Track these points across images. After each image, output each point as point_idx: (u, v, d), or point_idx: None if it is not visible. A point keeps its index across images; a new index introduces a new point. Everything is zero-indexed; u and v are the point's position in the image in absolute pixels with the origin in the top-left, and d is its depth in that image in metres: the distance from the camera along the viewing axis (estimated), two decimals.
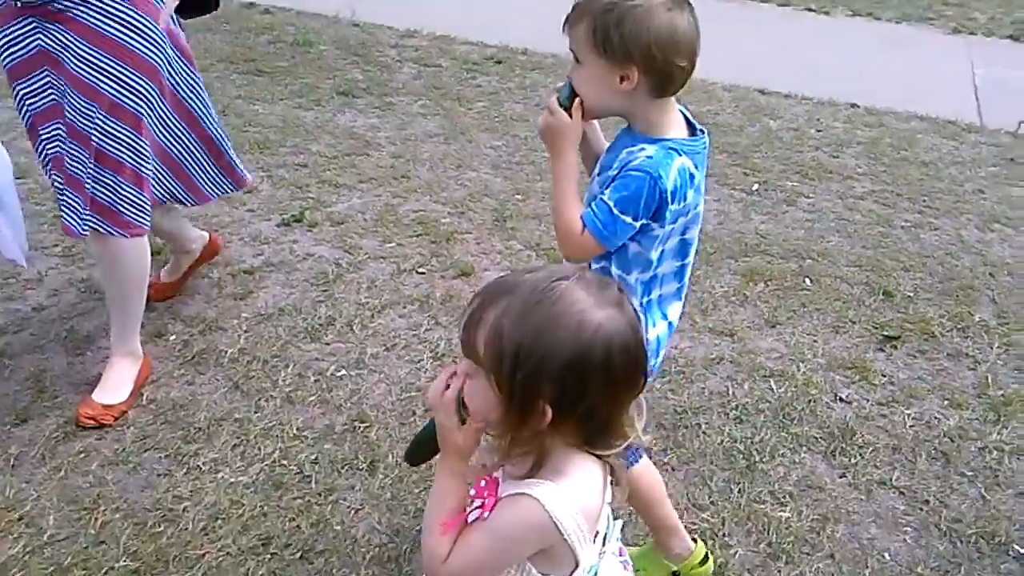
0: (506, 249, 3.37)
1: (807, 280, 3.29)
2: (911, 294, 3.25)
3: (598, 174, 1.70)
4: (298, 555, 2.06)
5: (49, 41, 2.22)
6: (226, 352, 2.71)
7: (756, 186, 4.01)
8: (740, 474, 2.38)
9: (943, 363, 2.90)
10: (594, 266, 1.71)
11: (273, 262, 3.19)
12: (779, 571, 2.10)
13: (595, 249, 1.65)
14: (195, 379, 2.60)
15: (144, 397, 2.51)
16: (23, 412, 2.44)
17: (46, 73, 2.25)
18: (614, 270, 1.70)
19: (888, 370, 2.84)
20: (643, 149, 1.61)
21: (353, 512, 2.18)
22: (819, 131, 4.64)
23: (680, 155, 1.60)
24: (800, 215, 3.80)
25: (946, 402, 2.71)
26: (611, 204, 1.60)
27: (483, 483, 1.26)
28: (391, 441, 2.41)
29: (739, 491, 2.33)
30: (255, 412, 2.48)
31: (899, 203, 3.96)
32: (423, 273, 3.19)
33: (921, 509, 2.31)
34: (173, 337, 2.77)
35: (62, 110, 2.26)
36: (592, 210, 1.62)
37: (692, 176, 1.62)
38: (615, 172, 1.63)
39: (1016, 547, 2.20)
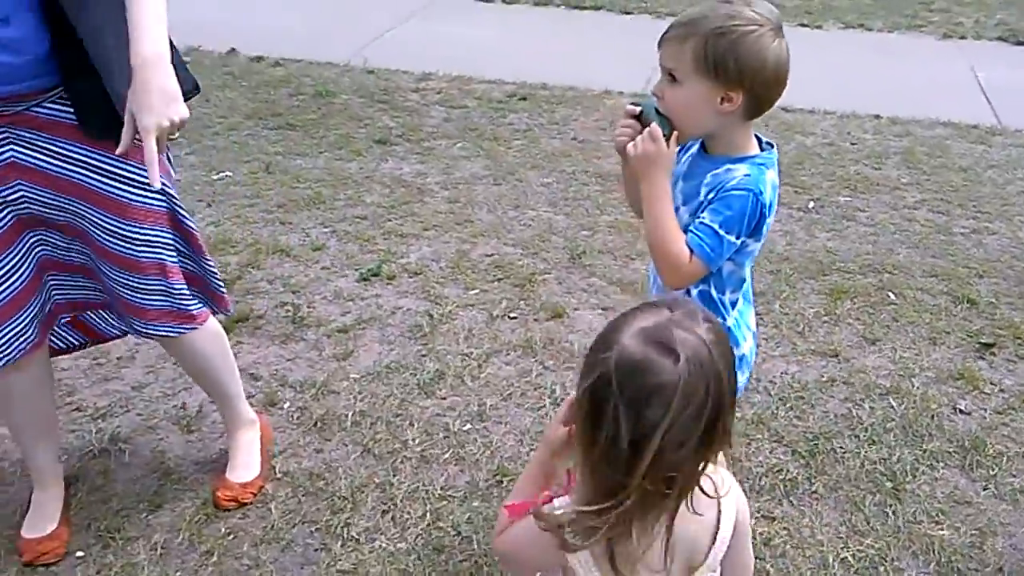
0: (589, 287, 3.38)
1: (891, 294, 3.33)
2: (993, 300, 3.31)
3: (683, 204, 1.72)
4: None
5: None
6: (346, 415, 2.68)
7: (811, 203, 4.06)
8: (889, 496, 2.39)
9: None
10: (694, 291, 1.74)
11: (364, 318, 3.16)
12: None
13: (702, 274, 1.68)
14: (323, 446, 2.57)
15: (276, 470, 2.47)
16: (155, 498, 2.39)
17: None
18: (713, 293, 1.74)
19: (995, 378, 2.88)
20: (731, 170, 1.65)
21: None
22: (854, 144, 4.72)
23: (768, 169, 1.66)
24: (862, 229, 3.85)
25: None
26: (715, 226, 1.63)
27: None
28: None
29: (893, 513, 2.34)
30: (394, 475, 2.45)
31: (952, 210, 4.03)
32: (515, 318, 3.18)
33: None
34: (287, 405, 2.73)
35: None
36: (697, 235, 1.64)
37: (776, 188, 1.67)
38: (710, 195, 1.66)
39: None
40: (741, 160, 1.67)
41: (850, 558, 2.20)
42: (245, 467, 2.42)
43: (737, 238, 1.64)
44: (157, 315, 2.08)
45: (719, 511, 1.28)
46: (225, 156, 4.43)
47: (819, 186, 4.25)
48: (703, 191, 1.69)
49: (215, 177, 4.20)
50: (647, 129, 1.65)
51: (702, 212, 1.67)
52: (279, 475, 2.45)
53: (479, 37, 6.60)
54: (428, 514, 2.33)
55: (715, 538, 1.30)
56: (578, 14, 7.42)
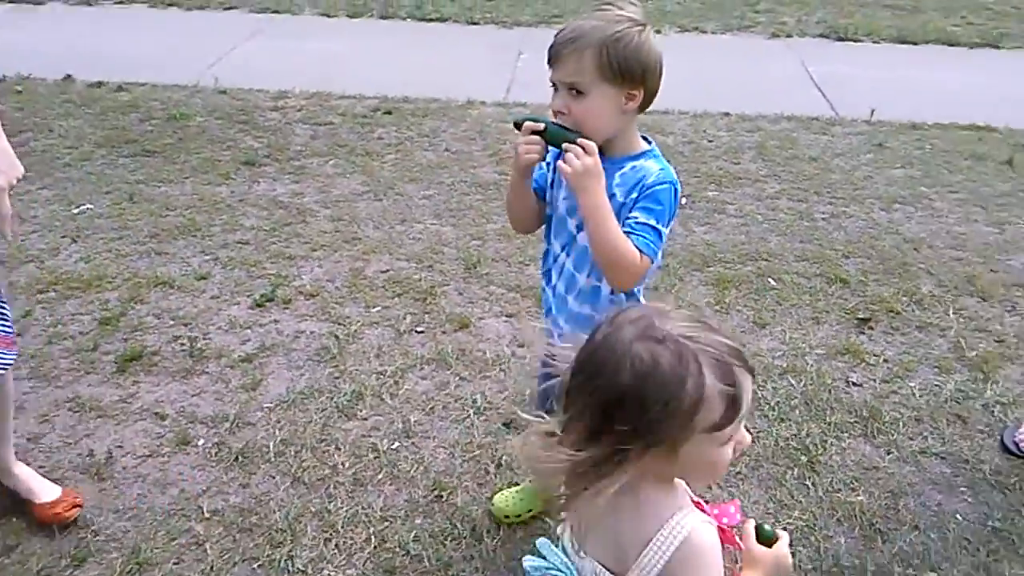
0: (489, 295, 3.40)
1: (771, 280, 3.54)
2: (862, 278, 3.58)
3: (570, 214, 1.82)
4: None
5: None
6: (268, 446, 2.58)
7: (684, 200, 4.24)
8: (806, 469, 2.54)
9: (916, 335, 3.22)
10: (601, 284, 1.85)
11: (267, 345, 3.06)
12: (882, 551, 2.27)
13: (647, 271, 1.77)
14: (248, 480, 2.47)
15: (203, 510, 2.35)
16: (78, 553, 2.22)
17: None
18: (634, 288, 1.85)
19: (876, 350, 3.12)
20: (639, 168, 1.75)
21: None
22: (711, 141, 4.98)
23: (663, 158, 1.79)
24: (733, 221, 4.07)
25: (936, 369, 3.02)
26: (653, 223, 1.73)
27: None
28: (479, 503, 2.39)
29: (813, 485, 2.49)
30: (329, 502, 2.39)
31: (809, 197, 4.32)
32: (423, 332, 3.16)
33: (965, 469, 2.57)
34: (202, 442, 2.61)
35: None
36: (641, 236, 1.73)
37: None
38: (633, 195, 1.74)
39: None
40: (640, 156, 1.77)
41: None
42: (45, 487, 2.29)
43: (667, 229, 1.74)
44: None
45: (663, 527, 1.21)
46: (82, 188, 4.16)
47: (687, 183, 4.45)
48: (618, 192, 1.76)
49: (75, 211, 3.94)
50: (581, 143, 1.70)
51: (631, 212, 1.74)
52: (207, 515, 2.33)
53: (330, 52, 6.51)
54: (372, 537, 2.28)
55: (643, 549, 1.22)
56: (425, 26, 7.45)
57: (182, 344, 3.05)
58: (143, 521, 2.31)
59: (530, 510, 2.32)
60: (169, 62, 6.00)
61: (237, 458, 2.53)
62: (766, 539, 1.35)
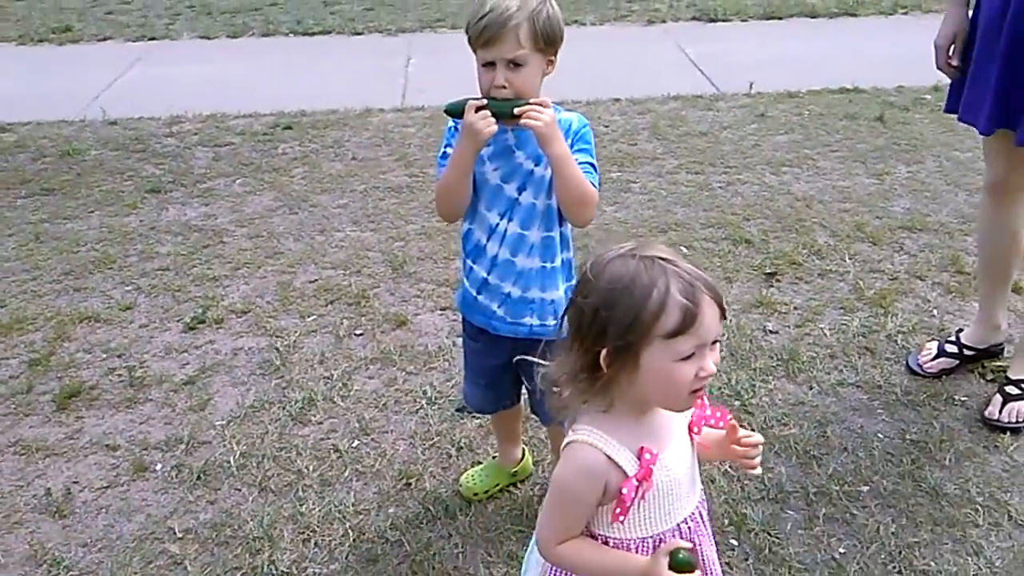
0: (421, 292, 3.50)
1: (683, 248, 3.75)
2: (764, 237, 3.83)
3: (504, 181, 1.98)
4: None
5: None
6: (228, 461, 2.62)
7: None
8: (742, 412, 2.74)
9: (819, 282, 3.48)
10: (553, 233, 2.02)
11: (207, 366, 3.08)
12: (819, 473, 2.49)
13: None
14: (215, 496, 2.50)
15: (175, 531, 2.38)
16: None
17: None
18: (567, 232, 2.06)
19: (785, 299, 3.36)
20: (560, 120, 1.91)
21: (459, 555, 2.26)
22: (607, 126, 5.19)
23: None
24: (639, 198, 4.28)
25: (841, 310, 3.28)
26: (592, 161, 1.97)
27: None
28: (447, 485, 2.50)
29: (749, 425, 2.69)
30: (301, 505, 2.45)
31: (705, 169, 4.57)
32: (362, 334, 3.24)
33: (880, 394, 2.82)
34: (160, 466, 2.63)
35: None
36: (590, 174, 1.94)
37: None
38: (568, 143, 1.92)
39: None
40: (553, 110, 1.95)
41: (729, 470, 2.51)
42: None
43: None
44: None
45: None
46: None
47: None
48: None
49: None
50: (533, 102, 1.86)
51: (575, 152, 1.92)
52: (179, 534, 2.36)
53: (217, 74, 6.46)
54: (349, 531, 2.35)
55: None
56: (309, 40, 7.45)
57: (120, 375, 3.04)
58: (115, 550, 2.33)
59: (497, 484, 2.44)
60: (51, 98, 5.85)
61: (199, 477, 2.56)
62: (679, 566, 1.35)
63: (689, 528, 1.46)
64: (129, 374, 3.03)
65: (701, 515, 1.51)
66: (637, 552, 1.42)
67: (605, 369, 1.33)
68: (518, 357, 2.08)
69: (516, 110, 1.87)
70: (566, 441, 1.41)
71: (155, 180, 4.63)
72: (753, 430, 2.55)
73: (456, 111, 1.91)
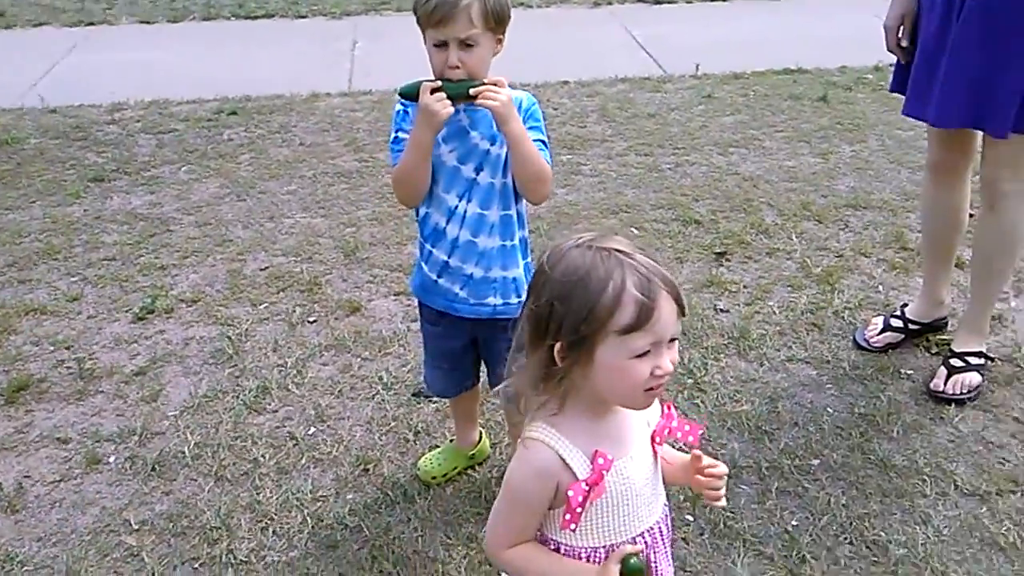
0: (374, 278, 3.48)
1: (634, 229, 3.78)
2: (713, 217, 3.88)
3: (461, 162, 1.99)
4: None
5: None
6: (183, 452, 2.59)
7: None
8: (694, 390, 2.79)
9: (768, 261, 3.54)
10: (510, 211, 2.04)
11: (158, 356, 3.03)
12: (771, 448, 2.54)
13: None
14: (171, 487, 2.47)
15: (131, 522, 2.35)
16: None
17: None
18: (523, 209, 2.09)
19: (735, 278, 3.42)
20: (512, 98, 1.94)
21: (419, 538, 2.27)
22: (556, 109, 5.19)
23: None
24: (590, 180, 4.30)
25: (790, 288, 3.34)
26: (544, 138, 1.99)
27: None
28: (405, 469, 2.50)
29: (702, 403, 2.74)
30: (258, 493, 2.43)
31: (654, 151, 4.61)
32: (315, 321, 3.22)
33: (828, 369, 2.88)
34: (113, 458, 2.58)
35: None
36: (544, 152, 1.97)
37: None
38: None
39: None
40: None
41: (683, 447, 2.54)
42: None
43: None
44: None
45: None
46: None
47: None
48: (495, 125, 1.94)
49: None
50: (489, 82, 1.88)
51: (528, 131, 1.94)
52: (135, 526, 2.33)
53: (159, 59, 6.32)
54: (308, 518, 2.34)
55: None
56: (252, 24, 7.33)
57: (69, 367, 2.98)
58: (70, 544, 2.29)
59: (455, 467, 2.45)
60: None
61: (154, 468, 2.53)
62: (630, 573, 1.34)
63: (646, 543, 1.42)
64: (78, 366, 2.97)
65: (661, 531, 1.46)
66: (589, 561, 1.38)
67: (559, 363, 1.29)
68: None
69: (472, 90, 1.87)
70: (521, 438, 1.39)
71: (98, 168, 4.52)
72: (706, 408, 2.62)
73: (410, 94, 1.91)
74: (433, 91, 1.87)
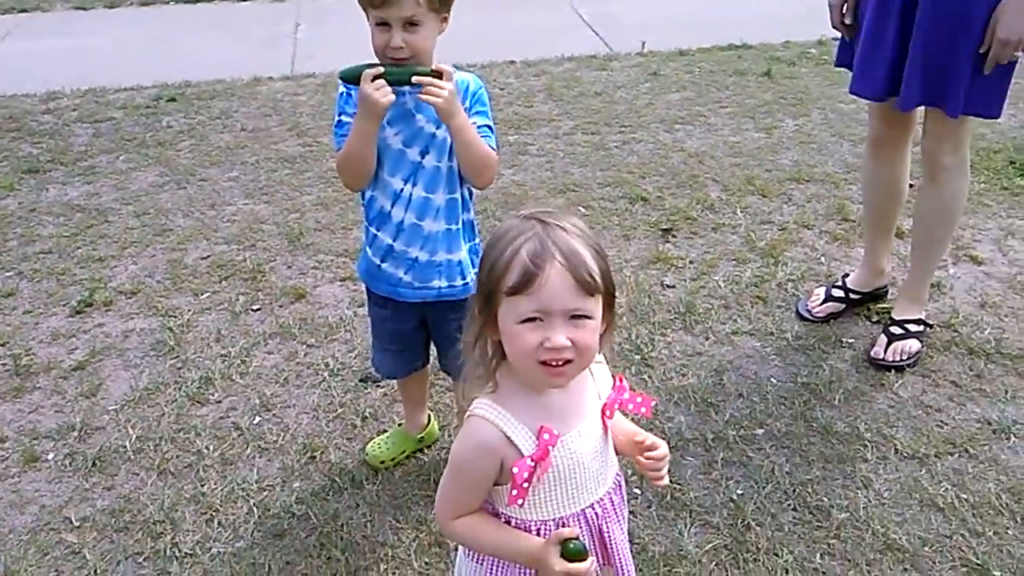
0: (319, 264, 3.44)
1: (581, 208, 3.78)
2: (659, 195, 3.89)
3: (406, 145, 1.96)
4: None
5: None
6: (124, 446, 2.54)
7: None
8: (642, 366, 2.80)
9: (713, 236, 3.56)
10: (456, 195, 2.03)
11: (97, 350, 2.97)
12: (716, 420, 2.56)
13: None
14: (112, 483, 2.42)
15: (71, 520, 2.30)
16: None
17: None
18: (466, 194, 2.08)
19: (681, 254, 3.44)
20: (457, 82, 1.91)
21: (368, 524, 2.25)
22: (502, 89, 5.17)
23: None
24: (537, 160, 4.29)
25: (734, 262, 3.37)
26: (490, 123, 1.99)
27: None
28: (353, 455, 2.48)
29: (649, 378, 2.75)
30: (202, 485, 2.39)
31: (601, 129, 4.61)
32: (259, 309, 3.17)
33: (772, 340, 2.91)
34: (52, 455, 2.53)
35: None
36: (489, 137, 1.97)
37: None
38: (463, 105, 1.92)
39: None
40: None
41: (631, 419, 2.55)
42: None
43: None
44: None
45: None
46: None
47: None
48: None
49: None
50: (439, 74, 1.85)
51: (474, 116, 1.95)
52: (76, 523, 2.28)
53: (95, 46, 6.17)
54: (254, 508, 2.31)
55: None
56: (192, 8, 7.21)
57: (4, 364, 2.91)
58: (7, 544, 2.24)
59: (403, 451, 2.44)
60: None
61: (94, 463, 2.48)
62: (571, 555, 1.34)
63: (596, 514, 1.43)
64: (14, 362, 2.90)
65: (612, 500, 1.46)
66: (539, 535, 1.39)
67: (477, 315, 1.33)
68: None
69: (414, 79, 1.85)
70: (466, 415, 1.39)
71: (32, 160, 4.40)
72: (653, 383, 2.64)
73: (351, 77, 1.88)
74: (374, 77, 1.84)
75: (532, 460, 1.32)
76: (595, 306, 1.30)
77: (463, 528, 1.42)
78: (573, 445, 1.37)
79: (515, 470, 1.31)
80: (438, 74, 1.86)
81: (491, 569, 1.47)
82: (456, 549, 1.54)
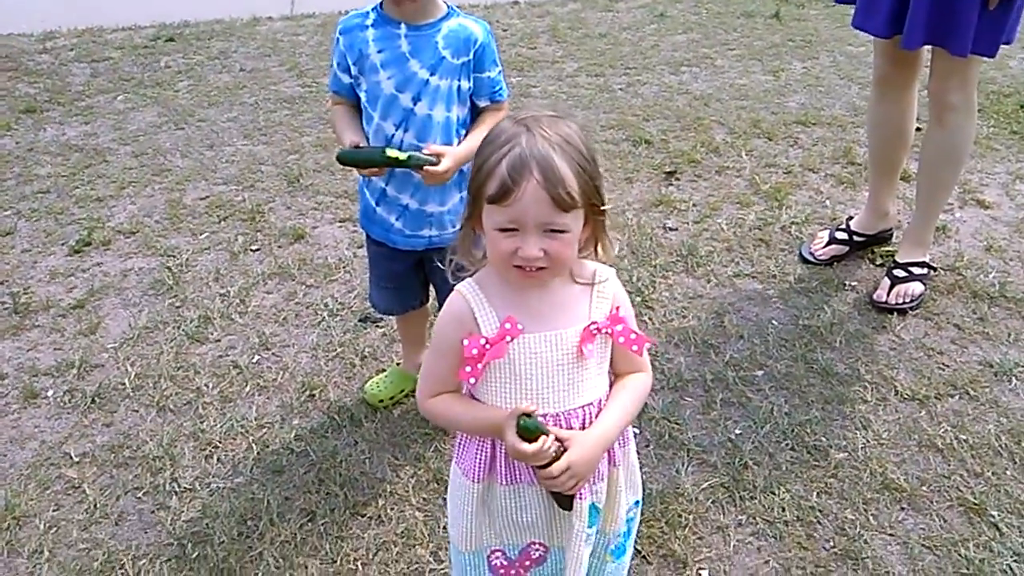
0: (319, 205, 3.41)
1: None
2: (663, 137, 3.84)
3: (399, 90, 1.92)
4: (348, 514, 2.11)
5: None
6: (123, 383, 2.54)
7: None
8: (642, 307, 2.78)
9: (717, 179, 3.52)
10: (449, 144, 1.98)
11: (96, 289, 2.95)
12: (716, 361, 2.55)
13: None
14: (111, 419, 2.43)
15: (71, 455, 2.31)
16: None
17: None
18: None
19: (684, 197, 3.40)
20: (460, 28, 1.91)
21: (366, 460, 2.26)
22: (505, 30, 5.08)
23: None
24: (540, 102, 4.22)
25: (738, 205, 3.33)
26: (500, 70, 1.98)
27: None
28: (352, 394, 2.48)
29: (649, 320, 2.73)
30: (201, 422, 2.40)
31: (605, 72, 4.54)
32: (258, 249, 3.15)
33: (774, 283, 2.89)
34: (51, 392, 2.53)
35: None
36: (500, 87, 1.99)
37: None
38: (464, 58, 1.91)
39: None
40: (448, 16, 1.93)
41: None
42: None
43: None
44: None
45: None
46: None
47: None
48: (447, 53, 1.91)
49: None
50: (433, 152, 1.90)
51: (484, 73, 1.95)
52: (76, 459, 2.29)
53: None
54: (253, 445, 2.32)
55: None
56: None
57: (3, 302, 2.90)
58: (8, 478, 2.24)
59: (402, 390, 2.43)
60: None
61: (93, 400, 2.48)
62: (523, 432, 1.31)
63: (559, 427, 1.37)
64: (13, 301, 2.89)
65: (585, 425, 1.40)
66: None
67: (468, 206, 1.35)
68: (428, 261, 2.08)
69: (417, 171, 1.91)
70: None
71: (30, 99, 4.35)
72: (653, 325, 2.62)
73: (348, 161, 1.94)
74: (381, 163, 1.89)
75: (485, 341, 1.33)
76: (572, 220, 1.29)
77: (438, 404, 1.44)
78: (536, 347, 1.36)
79: (465, 343, 1.33)
80: (436, 157, 1.87)
81: (460, 442, 1.48)
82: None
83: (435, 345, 1.44)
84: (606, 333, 1.38)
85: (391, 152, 1.88)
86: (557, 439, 1.34)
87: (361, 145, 1.94)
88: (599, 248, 1.40)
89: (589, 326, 1.37)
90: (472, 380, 1.35)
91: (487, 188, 1.27)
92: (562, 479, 1.35)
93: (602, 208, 1.35)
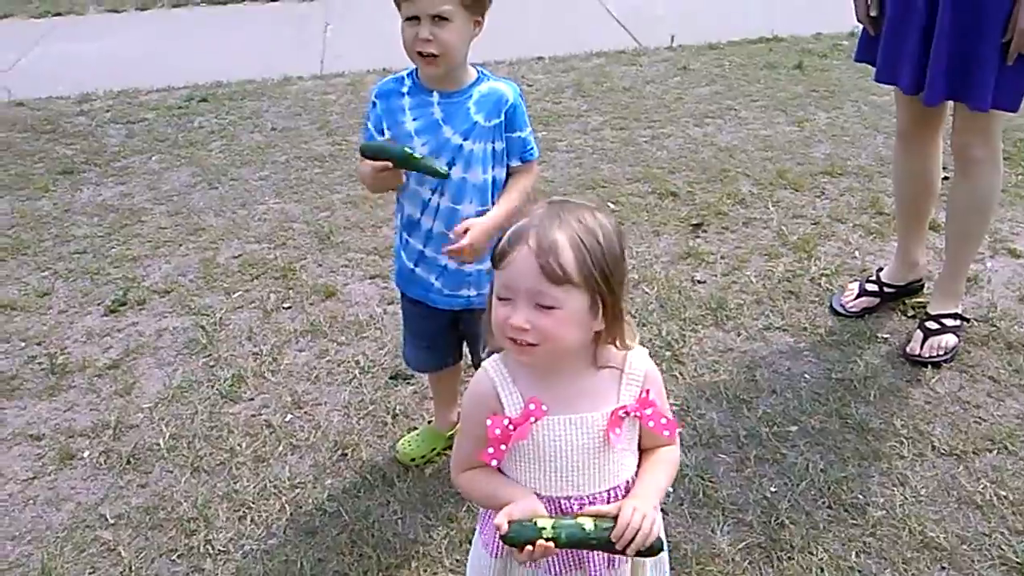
0: (349, 262, 3.45)
1: (611, 204, 3.76)
2: (689, 189, 3.86)
3: (464, 139, 1.95)
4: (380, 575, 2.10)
5: None
6: (158, 444, 2.56)
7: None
8: (673, 363, 2.78)
9: (744, 231, 3.53)
10: (487, 207, 2.01)
11: (131, 349, 3.00)
12: (749, 417, 2.54)
13: None
14: (146, 480, 2.45)
15: (106, 517, 2.32)
16: None
17: None
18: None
19: (712, 249, 3.40)
20: (491, 91, 1.95)
21: (399, 521, 2.25)
22: (530, 85, 5.15)
23: None
24: (566, 156, 4.27)
25: (766, 257, 3.33)
26: (529, 132, 2.02)
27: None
28: (384, 453, 2.49)
29: (680, 375, 2.73)
30: (235, 483, 2.41)
31: (630, 124, 4.58)
32: (290, 307, 3.19)
33: (805, 336, 2.88)
34: (87, 453, 2.56)
35: None
36: (531, 150, 2.05)
37: None
38: (496, 120, 1.94)
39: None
40: (479, 80, 1.97)
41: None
42: None
43: None
44: None
45: None
46: None
47: None
48: (480, 118, 1.94)
49: None
50: (463, 227, 1.92)
51: (515, 134, 1.99)
52: (111, 520, 2.31)
53: (127, 48, 6.25)
54: (286, 506, 2.33)
55: None
56: (222, 9, 7.25)
57: (40, 363, 2.94)
58: (45, 541, 2.26)
59: (433, 449, 2.43)
60: None
61: (128, 461, 2.50)
62: (504, 539, 1.32)
63: (572, 509, 1.38)
64: (50, 361, 2.94)
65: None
66: None
67: (491, 287, 1.38)
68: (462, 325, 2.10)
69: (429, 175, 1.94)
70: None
71: (67, 161, 4.46)
72: (684, 380, 2.62)
73: (370, 153, 1.96)
74: (398, 159, 1.93)
75: (509, 421, 1.33)
76: (565, 296, 1.28)
77: (465, 479, 1.45)
78: (560, 429, 1.36)
79: (488, 423, 1.33)
80: (463, 231, 1.90)
81: (484, 513, 1.50)
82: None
83: (462, 422, 1.47)
84: (635, 416, 1.37)
85: (409, 150, 1.92)
86: (599, 515, 1.33)
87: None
88: (616, 340, 1.37)
89: (617, 411, 1.36)
90: (494, 462, 1.34)
91: (495, 257, 1.32)
92: (628, 535, 1.31)
93: (612, 295, 1.31)
